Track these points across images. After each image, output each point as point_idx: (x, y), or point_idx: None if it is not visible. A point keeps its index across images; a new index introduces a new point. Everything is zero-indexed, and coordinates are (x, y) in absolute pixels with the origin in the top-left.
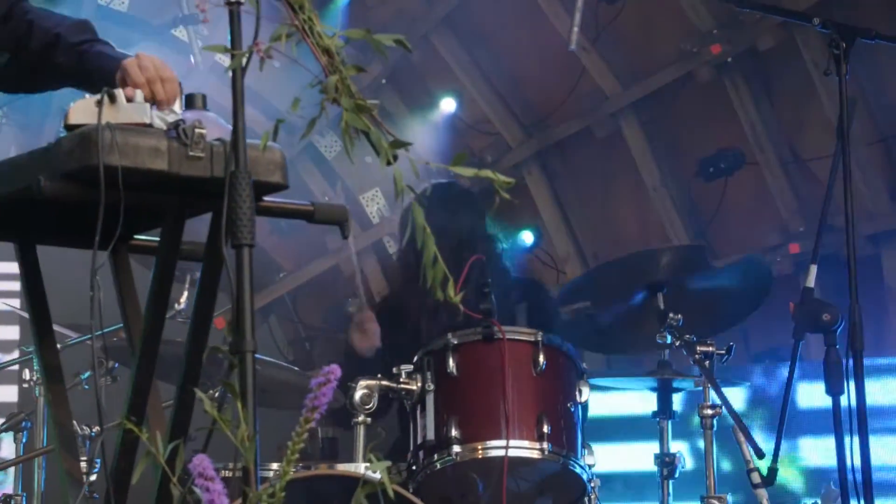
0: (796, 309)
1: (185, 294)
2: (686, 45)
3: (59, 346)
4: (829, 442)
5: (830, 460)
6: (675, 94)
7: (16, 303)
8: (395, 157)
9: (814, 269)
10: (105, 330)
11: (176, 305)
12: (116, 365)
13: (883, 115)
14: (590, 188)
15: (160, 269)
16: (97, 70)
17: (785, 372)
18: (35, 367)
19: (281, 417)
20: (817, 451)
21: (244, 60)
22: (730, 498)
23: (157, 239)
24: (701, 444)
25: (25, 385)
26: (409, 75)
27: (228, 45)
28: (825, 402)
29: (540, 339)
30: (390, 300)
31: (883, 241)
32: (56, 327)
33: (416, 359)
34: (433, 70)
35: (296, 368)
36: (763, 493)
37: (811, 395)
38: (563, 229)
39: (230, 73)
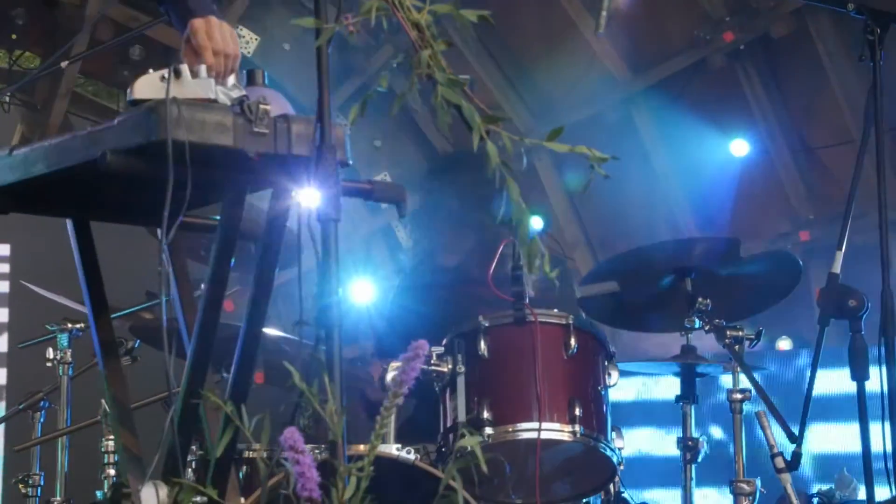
0: (822, 295)
1: None
2: (699, 32)
3: (81, 325)
4: (839, 428)
5: (840, 446)
6: (686, 81)
7: (4, 285)
8: (489, 133)
9: (840, 255)
10: (127, 311)
11: (202, 286)
12: (137, 344)
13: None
14: (599, 175)
15: (220, 246)
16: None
17: (799, 358)
18: (59, 346)
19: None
20: (828, 437)
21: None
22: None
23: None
24: (713, 429)
25: (49, 364)
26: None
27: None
28: (835, 388)
29: (571, 322)
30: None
31: (892, 229)
32: (77, 306)
33: (446, 341)
34: (444, 54)
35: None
36: (787, 478)
37: (821, 381)
38: (572, 215)
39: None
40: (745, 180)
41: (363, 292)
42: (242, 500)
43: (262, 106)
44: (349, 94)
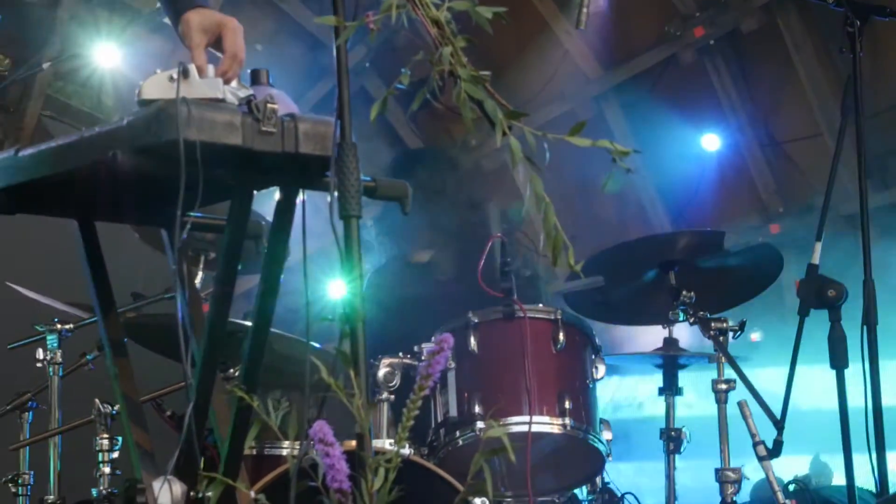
0: (801, 285)
1: (200, 275)
2: (669, 28)
3: (70, 326)
4: None
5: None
6: (657, 76)
7: None
8: (511, 128)
9: (818, 245)
10: (121, 309)
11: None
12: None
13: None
14: (571, 170)
15: (228, 245)
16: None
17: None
18: (48, 347)
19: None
20: None
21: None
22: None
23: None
24: None
25: (39, 364)
26: (391, 58)
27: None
28: None
29: (560, 317)
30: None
31: (850, 223)
32: (63, 307)
33: (436, 337)
34: (414, 53)
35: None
36: (769, 466)
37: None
38: None
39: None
40: (715, 174)
41: (337, 291)
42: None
43: (269, 105)
44: (323, 94)
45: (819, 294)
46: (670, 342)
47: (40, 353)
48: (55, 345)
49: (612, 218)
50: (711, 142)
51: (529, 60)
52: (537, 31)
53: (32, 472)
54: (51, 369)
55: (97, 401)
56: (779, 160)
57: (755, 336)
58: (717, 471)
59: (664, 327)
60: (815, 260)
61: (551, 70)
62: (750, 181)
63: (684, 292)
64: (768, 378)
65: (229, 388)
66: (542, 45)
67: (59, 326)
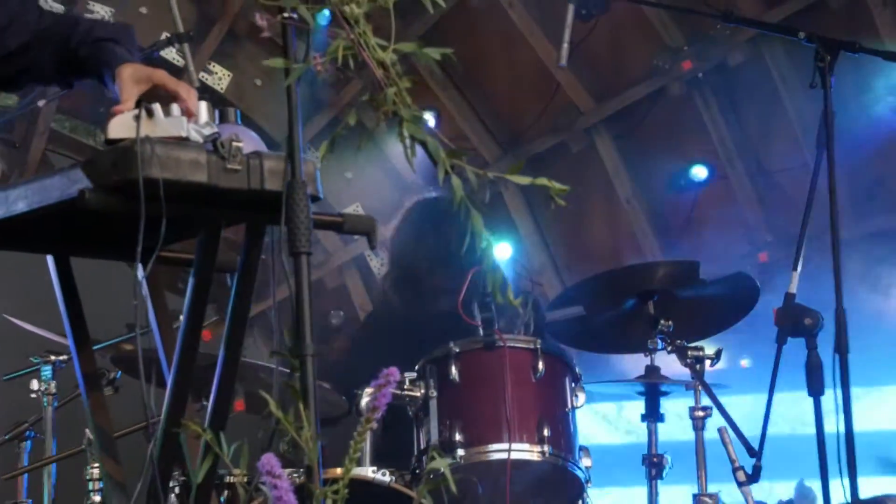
0: (779, 314)
1: None
2: (658, 62)
3: (64, 357)
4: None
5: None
6: (647, 109)
7: None
8: (453, 168)
9: (796, 275)
10: (108, 342)
11: (181, 317)
12: (118, 375)
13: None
14: (564, 201)
15: (197, 280)
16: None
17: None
18: (42, 378)
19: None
20: None
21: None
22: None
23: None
24: None
25: (33, 395)
26: None
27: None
28: None
29: (539, 346)
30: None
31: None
32: (59, 338)
33: (418, 366)
34: (411, 87)
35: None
36: (748, 491)
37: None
38: (539, 241)
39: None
40: (704, 204)
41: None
42: None
43: (234, 143)
44: (321, 128)
45: (796, 322)
46: (652, 369)
47: (35, 384)
48: (49, 376)
49: (605, 247)
50: (701, 172)
51: (522, 93)
52: (529, 65)
53: (31, 501)
54: (45, 400)
55: (87, 431)
56: (768, 189)
57: (744, 362)
58: (694, 496)
59: (646, 355)
60: (793, 289)
61: (543, 102)
62: (739, 211)
63: (662, 321)
64: (755, 404)
65: (184, 423)
66: (534, 78)
67: (52, 358)
